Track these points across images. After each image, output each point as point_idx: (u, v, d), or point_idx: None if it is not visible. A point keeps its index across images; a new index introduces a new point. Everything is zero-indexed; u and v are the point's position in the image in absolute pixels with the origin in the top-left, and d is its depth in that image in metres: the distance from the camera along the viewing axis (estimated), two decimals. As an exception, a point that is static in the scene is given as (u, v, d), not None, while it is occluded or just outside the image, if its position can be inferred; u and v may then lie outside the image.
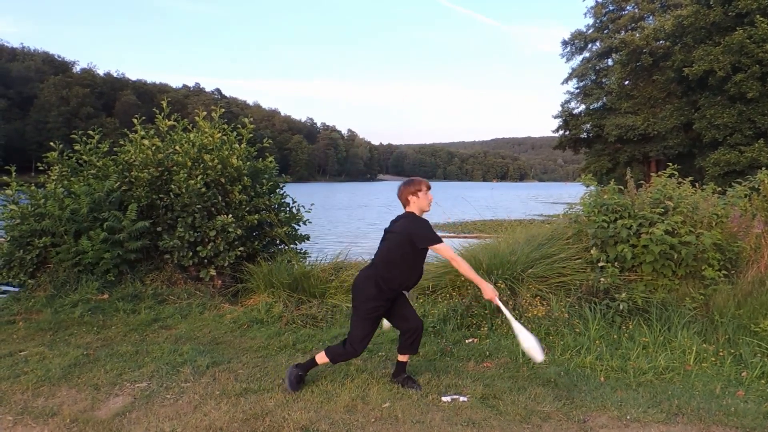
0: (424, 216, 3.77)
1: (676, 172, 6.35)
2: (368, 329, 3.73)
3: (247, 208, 7.01)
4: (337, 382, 3.85)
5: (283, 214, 7.50)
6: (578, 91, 43.59)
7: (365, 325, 3.71)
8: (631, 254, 5.48)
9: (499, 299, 3.77)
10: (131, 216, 6.50)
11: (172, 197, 6.77)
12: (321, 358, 3.82)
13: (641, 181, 6.63)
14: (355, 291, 3.78)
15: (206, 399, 3.59)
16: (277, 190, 7.63)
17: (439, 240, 3.62)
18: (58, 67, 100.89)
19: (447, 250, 3.69)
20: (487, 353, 4.69)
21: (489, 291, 3.64)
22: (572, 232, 6.17)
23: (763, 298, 5.03)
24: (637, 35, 36.72)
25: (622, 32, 39.86)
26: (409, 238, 3.62)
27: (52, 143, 7.37)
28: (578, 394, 3.80)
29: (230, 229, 6.62)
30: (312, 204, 7.91)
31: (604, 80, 41.53)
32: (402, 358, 3.92)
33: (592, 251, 5.74)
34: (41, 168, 7.40)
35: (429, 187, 3.77)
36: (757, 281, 5.34)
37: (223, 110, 7.73)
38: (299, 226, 7.61)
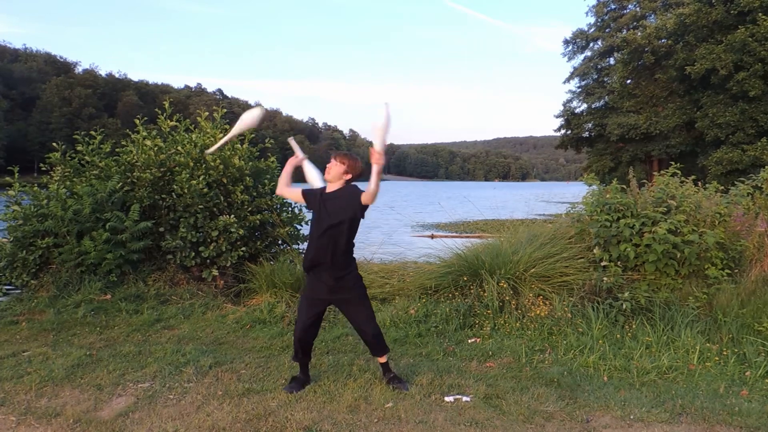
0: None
1: (678, 171, 6.34)
2: (299, 309, 3.87)
3: (249, 209, 7.02)
4: (340, 382, 3.85)
5: (285, 214, 7.50)
6: (580, 90, 43.50)
7: (299, 305, 3.93)
8: (633, 253, 5.47)
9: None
10: (134, 216, 6.50)
11: (175, 198, 6.77)
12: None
13: (644, 181, 6.61)
14: None
15: (209, 399, 3.59)
16: (279, 190, 7.62)
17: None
18: (61, 67, 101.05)
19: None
20: (490, 353, 4.69)
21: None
22: (575, 231, 6.17)
23: (766, 297, 5.03)
24: (639, 34, 36.58)
25: (624, 31, 39.74)
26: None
27: (54, 144, 7.38)
28: (581, 393, 3.80)
29: (232, 230, 6.62)
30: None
31: (605, 79, 41.43)
32: (378, 360, 3.94)
33: (594, 250, 5.74)
34: (44, 168, 7.42)
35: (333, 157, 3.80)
36: (761, 280, 5.33)
37: (224, 110, 7.74)
38: (301, 226, 7.61)
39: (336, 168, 3.71)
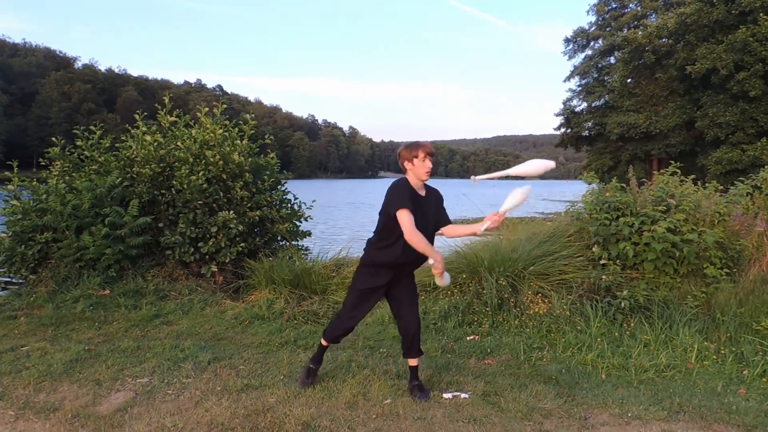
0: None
1: (678, 170, 6.33)
2: (354, 303, 3.55)
3: (249, 205, 7.01)
4: (339, 379, 3.86)
5: (284, 210, 7.50)
6: (580, 88, 43.50)
7: (352, 298, 3.58)
8: (632, 252, 5.47)
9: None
10: (133, 212, 6.50)
11: (174, 193, 6.77)
12: (323, 341, 3.75)
13: (643, 180, 6.61)
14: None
15: (207, 395, 3.60)
16: (279, 187, 7.63)
17: (402, 206, 3.21)
18: (60, 62, 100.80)
19: (403, 218, 3.21)
20: (489, 350, 4.69)
21: (438, 261, 3.32)
22: (574, 229, 6.17)
23: (765, 297, 5.03)
24: (640, 33, 36.57)
25: (625, 30, 39.73)
26: (384, 204, 3.34)
27: (53, 139, 7.38)
28: (579, 391, 3.80)
29: (231, 226, 6.62)
30: (314, 200, 7.92)
31: (606, 78, 41.41)
32: (409, 362, 3.71)
33: (593, 249, 5.74)
34: (43, 163, 7.43)
35: (429, 153, 3.35)
36: (759, 279, 5.34)
37: (224, 106, 7.73)
38: (300, 222, 7.61)
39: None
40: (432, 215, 3.49)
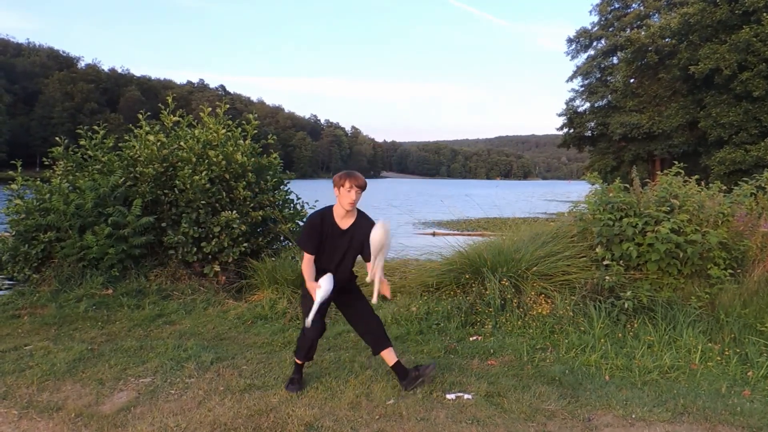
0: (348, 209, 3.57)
1: (681, 171, 6.31)
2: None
3: (252, 204, 7.02)
4: (341, 379, 3.85)
5: (287, 210, 7.50)
6: (583, 89, 43.37)
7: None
8: (636, 252, 5.46)
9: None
10: (136, 211, 6.51)
11: (177, 193, 6.78)
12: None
13: (646, 180, 6.59)
14: None
15: (210, 395, 3.60)
16: (282, 187, 7.63)
17: (301, 245, 3.59)
18: (63, 62, 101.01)
19: (304, 260, 3.59)
20: (492, 351, 4.68)
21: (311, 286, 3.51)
22: (577, 230, 6.15)
23: (769, 298, 5.01)
24: (643, 33, 36.46)
25: (628, 30, 39.62)
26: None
27: (57, 138, 7.39)
28: (583, 392, 3.79)
29: (234, 225, 6.62)
30: (316, 200, 7.91)
31: (609, 78, 41.29)
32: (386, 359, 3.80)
33: (597, 249, 5.72)
34: (46, 163, 7.44)
35: (357, 186, 3.51)
36: (763, 280, 5.32)
37: (227, 106, 7.73)
38: (303, 222, 7.60)
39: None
40: (348, 248, 3.63)
